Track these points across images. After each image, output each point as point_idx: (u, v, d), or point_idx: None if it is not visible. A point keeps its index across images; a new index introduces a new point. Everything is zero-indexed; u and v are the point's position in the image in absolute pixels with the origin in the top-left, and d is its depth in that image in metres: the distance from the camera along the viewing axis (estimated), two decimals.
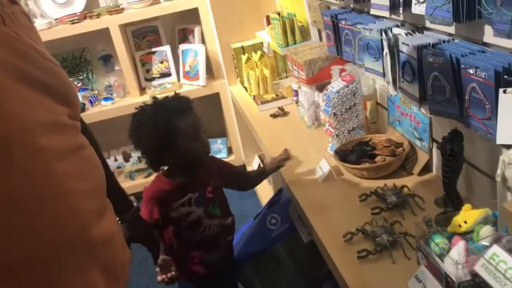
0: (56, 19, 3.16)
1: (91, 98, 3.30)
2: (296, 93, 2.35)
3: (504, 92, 0.97)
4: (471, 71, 1.07)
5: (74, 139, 0.91)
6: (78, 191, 0.86)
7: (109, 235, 0.94)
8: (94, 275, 0.89)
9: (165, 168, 1.60)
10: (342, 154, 1.71)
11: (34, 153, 0.79)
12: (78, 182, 0.87)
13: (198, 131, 1.53)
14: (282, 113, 2.43)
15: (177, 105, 1.50)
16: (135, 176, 3.46)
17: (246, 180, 1.80)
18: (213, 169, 1.65)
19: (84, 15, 3.14)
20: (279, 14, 2.56)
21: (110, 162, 3.50)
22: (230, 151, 3.58)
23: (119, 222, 1.40)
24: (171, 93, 1.63)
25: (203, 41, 3.31)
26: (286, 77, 2.88)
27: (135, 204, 1.44)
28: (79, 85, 3.38)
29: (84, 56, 3.40)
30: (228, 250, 1.73)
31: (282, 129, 2.28)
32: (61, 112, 0.88)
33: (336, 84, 1.80)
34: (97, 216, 0.91)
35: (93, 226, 0.89)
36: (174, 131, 1.47)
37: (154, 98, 1.56)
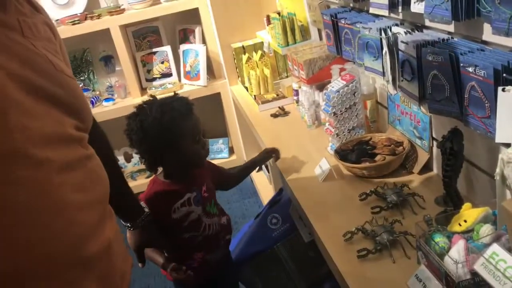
0: (57, 20, 3.16)
1: (92, 99, 3.30)
2: (297, 93, 2.35)
3: (503, 90, 0.97)
4: (470, 69, 1.07)
5: (79, 151, 0.91)
6: (77, 203, 0.86)
7: (106, 245, 0.94)
8: (89, 287, 0.89)
9: (161, 169, 1.60)
10: (342, 154, 1.71)
11: (36, 165, 0.80)
12: (79, 194, 0.87)
13: (200, 133, 1.54)
14: (282, 112, 2.43)
15: (181, 106, 1.50)
16: (137, 177, 3.47)
17: (232, 180, 1.85)
18: (206, 169, 1.66)
19: (85, 16, 3.15)
20: (279, 13, 2.56)
21: None
22: (231, 151, 3.58)
23: (131, 228, 1.40)
24: (170, 94, 1.62)
25: (203, 41, 3.32)
26: (287, 76, 2.88)
27: (146, 209, 1.44)
28: (80, 86, 3.38)
29: (85, 57, 3.40)
30: (227, 249, 1.73)
31: (283, 128, 2.28)
32: (68, 124, 0.89)
33: (336, 84, 1.79)
34: (95, 227, 0.91)
35: (89, 237, 0.88)
36: (180, 133, 1.47)
37: (153, 97, 1.55)
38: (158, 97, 1.56)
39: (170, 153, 1.49)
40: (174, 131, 1.47)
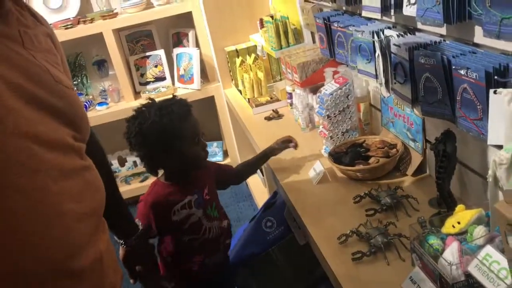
0: (50, 24, 3.15)
1: (85, 103, 3.29)
2: (290, 96, 2.35)
3: (495, 92, 0.98)
4: (462, 72, 1.07)
5: (77, 161, 0.92)
6: (74, 212, 0.87)
7: (99, 256, 0.94)
8: None
9: (161, 172, 1.59)
10: (336, 156, 1.71)
11: (34, 172, 0.80)
12: (76, 203, 0.87)
13: (199, 134, 1.54)
14: (276, 115, 2.43)
15: (179, 108, 1.50)
16: (131, 181, 3.45)
17: (236, 177, 1.84)
18: (209, 171, 1.65)
19: (78, 20, 3.14)
20: (272, 17, 2.57)
21: None
22: (225, 154, 3.58)
23: (123, 245, 1.40)
24: (168, 96, 1.62)
25: (197, 45, 3.32)
26: (280, 79, 2.89)
27: (140, 227, 1.44)
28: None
29: (78, 61, 3.39)
30: (226, 254, 1.73)
31: (277, 131, 2.27)
32: (66, 134, 0.90)
33: (330, 86, 1.80)
34: (89, 237, 0.91)
35: (84, 247, 0.89)
36: (179, 135, 1.47)
37: (152, 100, 1.55)
38: (157, 100, 1.56)
39: (170, 156, 1.49)
40: (173, 133, 1.46)
